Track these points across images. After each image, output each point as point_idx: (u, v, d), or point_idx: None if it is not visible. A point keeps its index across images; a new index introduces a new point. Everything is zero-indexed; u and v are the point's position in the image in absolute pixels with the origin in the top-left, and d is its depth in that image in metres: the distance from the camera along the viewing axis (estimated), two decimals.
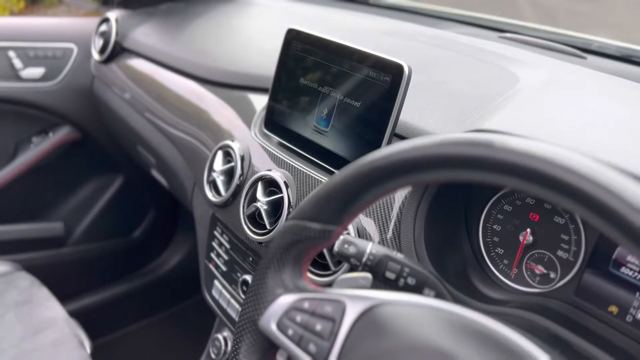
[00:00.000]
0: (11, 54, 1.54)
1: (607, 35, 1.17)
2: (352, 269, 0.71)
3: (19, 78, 1.56)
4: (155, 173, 1.46)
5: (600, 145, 0.63)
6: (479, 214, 0.75)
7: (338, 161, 0.80)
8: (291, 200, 0.82)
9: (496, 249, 0.74)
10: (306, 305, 0.51)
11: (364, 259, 0.59)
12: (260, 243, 0.85)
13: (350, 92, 0.79)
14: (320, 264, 0.77)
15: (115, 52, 1.50)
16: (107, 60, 1.51)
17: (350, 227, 0.74)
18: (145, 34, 1.45)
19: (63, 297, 1.34)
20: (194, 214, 1.15)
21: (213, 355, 1.06)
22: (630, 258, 0.64)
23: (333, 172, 0.81)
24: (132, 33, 1.48)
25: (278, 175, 0.84)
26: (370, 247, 0.60)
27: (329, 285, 0.74)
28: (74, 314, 1.25)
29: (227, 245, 0.98)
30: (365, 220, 0.75)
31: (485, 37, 1.10)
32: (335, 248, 0.60)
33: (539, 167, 0.38)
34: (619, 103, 0.78)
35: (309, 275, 0.77)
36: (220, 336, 1.04)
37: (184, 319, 1.89)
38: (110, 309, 1.81)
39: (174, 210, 1.99)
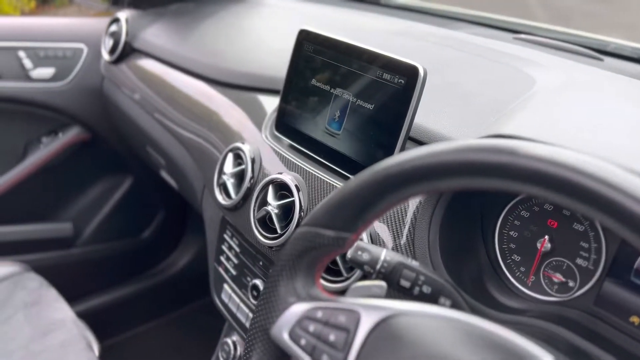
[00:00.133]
0: (21, 54, 1.54)
1: (621, 35, 1.14)
2: (365, 275, 0.70)
3: (29, 78, 1.56)
4: (164, 174, 1.46)
5: (624, 151, 0.61)
6: (495, 219, 0.74)
7: (350, 164, 0.79)
8: (302, 205, 0.81)
9: (512, 255, 0.72)
10: (319, 314, 0.49)
11: (378, 266, 0.58)
12: (270, 247, 0.83)
13: (363, 94, 0.78)
14: (331, 270, 0.75)
15: (125, 52, 1.49)
16: (117, 61, 1.50)
17: (363, 232, 0.72)
18: (155, 34, 1.45)
19: (71, 297, 1.33)
20: (204, 216, 1.14)
21: None
22: None
23: (345, 176, 0.80)
24: (142, 33, 1.47)
25: (289, 178, 0.83)
26: (385, 254, 0.59)
27: (341, 291, 0.73)
28: (82, 315, 1.24)
29: (237, 249, 0.97)
30: (378, 225, 0.73)
31: (499, 38, 1.08)
32: (348, 255, 0.58)
33: (568, 176, 0.37)
34: (639, 106, 0.76)
35: (320, 281, 0.75)
36: (229, 340, 1.03)
37: (192, 320, 1.88)
38: (118, 309, 1.81)
39: (183, 211, 1.99)
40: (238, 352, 1.02)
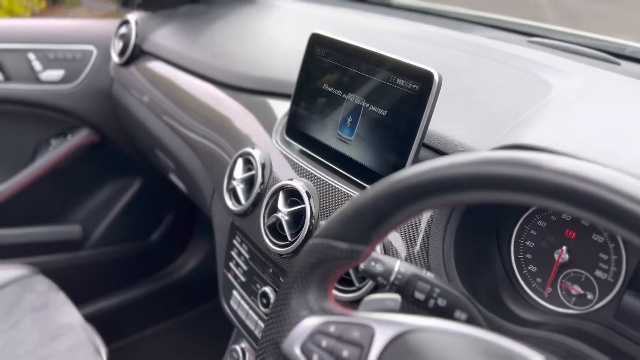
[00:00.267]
0: (31, 55, 1.54)
1: (633, 37, 1.12)
2: (378, 286, 0.68)
3: (38, 80, 1.56)
4: (173, 177, 1.45)
5: None
6: (511, 229, 0.72)
7: (362, 171, 0.77)
8: (313, 212, 0.79)
9: (529, 266, 0.71)
10: (332, 329, 0.48)
11: (392, 278, 0.57)
12: (280, 255, 0.82)
13: (376, 100, 0.76)
14: (343, 279, 0.74)
15: (135, 54, 1.48)
16: (126, 63, 1.50)
17: (377, 245, 0.71)
18: (164, 36, 1.44)
19: (79, 300, 1.33)
20: (213, 221, 1.13)
21: None
22: None
23: (357, 183, 0.78)
24: (151, 35, 1.47)
25: (300, 185, 0.81)
26: (399, 265, 0.57)
27: (353, 302, 0.71)
28: (90, 318, 1.24)
29: (247, 255, 0.96)
30: (391, 234, 0.72)
31: (513, 42, 1.06)
32: (361, 266, 0.57)
33: (598, 193, 0.35)
34: None
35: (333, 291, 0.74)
36: (238, 347, 1.02)
37: (200, 324, 1.88)
38: (126, 312, 1.80)
39: (192, 214, 1.98)
40: (247, 359, 1.01)
